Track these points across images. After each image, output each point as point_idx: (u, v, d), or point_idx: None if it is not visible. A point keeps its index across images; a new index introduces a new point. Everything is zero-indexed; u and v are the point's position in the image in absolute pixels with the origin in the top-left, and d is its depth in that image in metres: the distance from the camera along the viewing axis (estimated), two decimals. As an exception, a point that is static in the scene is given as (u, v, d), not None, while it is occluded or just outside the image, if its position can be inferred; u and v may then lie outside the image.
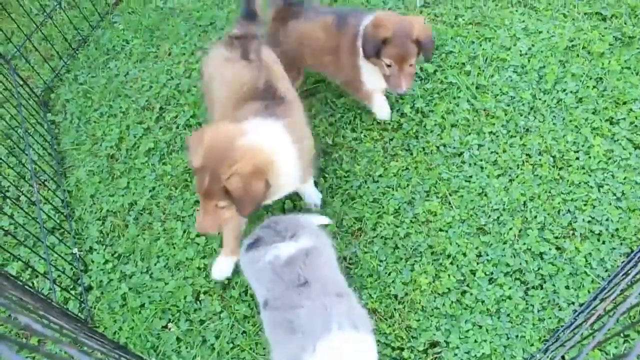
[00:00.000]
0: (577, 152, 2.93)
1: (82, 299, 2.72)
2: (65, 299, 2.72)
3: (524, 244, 2.72)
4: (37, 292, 2.30)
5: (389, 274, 2.68)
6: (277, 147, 2.18)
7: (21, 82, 3.20)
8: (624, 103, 3.05)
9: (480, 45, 3.32)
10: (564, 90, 3.10)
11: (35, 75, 3.37)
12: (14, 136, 3.13)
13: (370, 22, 2.65)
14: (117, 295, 2.72)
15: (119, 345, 2.39)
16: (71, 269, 2.79)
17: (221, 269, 2.67)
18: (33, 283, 2.77)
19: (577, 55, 3.21)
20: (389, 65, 2.64)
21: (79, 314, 2.64)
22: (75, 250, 2.83)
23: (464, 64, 3.24)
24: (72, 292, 2.73)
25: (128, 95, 3.29)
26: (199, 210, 2.18)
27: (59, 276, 2.75)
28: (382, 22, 2.60)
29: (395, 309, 2.60)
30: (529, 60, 3.21)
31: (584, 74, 3.13)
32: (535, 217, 2.79)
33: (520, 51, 3.27)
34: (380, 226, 2.80)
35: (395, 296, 2.63)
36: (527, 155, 2.96)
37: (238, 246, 2.58)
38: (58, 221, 2.89)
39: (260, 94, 2.34)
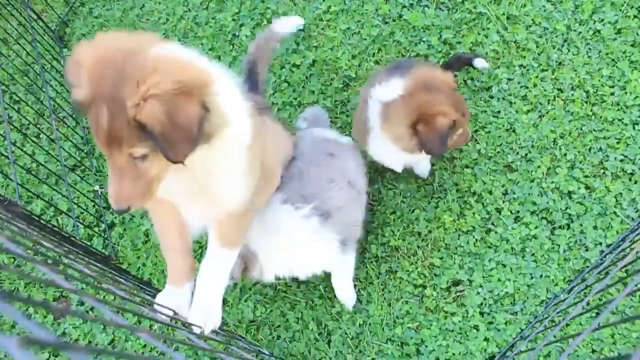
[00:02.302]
0: (613, 87, 2.78)
1: (105, 236, 2.74)
2: (89, 236, 2.74)
3: (552, 182, 2.64)
4: (61, 230, 2.32)
5: (413, 212, 2.64)
6: (216, 72, 1.48)
7: (35, 17, 3.11)
8: (666, 33, 2.87)
9: (513, -28, 3.12)
10: (602, 20, 2.92)
11: (49, 9, 3.27)
12: (30, 73, 3.08)
13: (418, 118, 2.12)
14: (140, 232, 2.74)
15: (142, 281, 2.42)
16: (94, 206, 2.80)
17: (166, 302, 1.74)
18: (57, 221, 2.80)
19: (617, -18, 3.00)
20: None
21: (103, 251, 2.67)
22: (97, 187, 2.83)
23: (494, -8, 3.06)
24: (96, 229, 2.75)
25: (144, 29, 3.20)
26: (109, 175, 1.42)
27: (81, 213, 2.77)
28: (434, 110, 2.11)
29: (418, 247, 2.57)
30: (564, -12, 3.02)
31: (624, 2, 2.93)
32: (565, 154, 2.69)
33: (556, -22, 3.08)
34: (404, 164, 2.73)
35: (419, 233, 2.60)
36: (558, 90, 2.83)
37: (192, 267, 1.83)
38: (79, 158, 2.88)
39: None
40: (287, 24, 2.79)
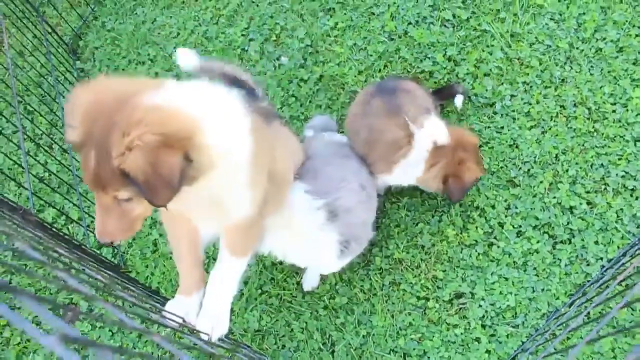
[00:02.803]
0: (615, 104, 2.84)
1: (114, 245, 2.79)
2: (99, 245, 2.80)
3: (554, 197, 2.69)
4: (72, 238, 2.37)
5: (416, 225, 2.69)
6: (209, 110, 1.50)
7: (50, 30, 3.20)
8: (667, 52, 2.92)
9: (517, -9, 3.19)
10: (604, 39, 2.98)
11: (64, 23, 3.36)
12: (44, 84, 3.16)
13: (453, 173, 2.43)
14: (149, 242, 2.79)
15: (150, 290, 2.47)
16: (104, 215, 2.86)
17: (175, 310, 1.80)
18: (68, 229, 2.85)
19: (621, 1, 3.06)
20: None
21: (112, 260, 2.72)
22: (107, 197, 2.88)
23: (499, 10, 3.12)
24: (105, 237, 2.80)
25: (156, 42, 3.27)
26: (96, 210, 1.48)
27: (92, 222, 2.82)
28: (466, 167, 2.43)
29: (421, 260, 2.62)
30: (567, 7, 3.08)
31: (626, 21, 2.99)
32: (567, 170, 2.74)
33: (559, -3, 3.14)
34: (408, 177, 2.78)
35: (422, 247, 2.65)
36: (561, 106, 2.88)
37: (201, 278, 1.88)
38: (90, 168, 2.94)
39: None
40: (183, 58, 2.39)
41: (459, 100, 2.84)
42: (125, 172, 1.32)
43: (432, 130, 2.38)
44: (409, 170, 2.43)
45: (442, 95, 2.85)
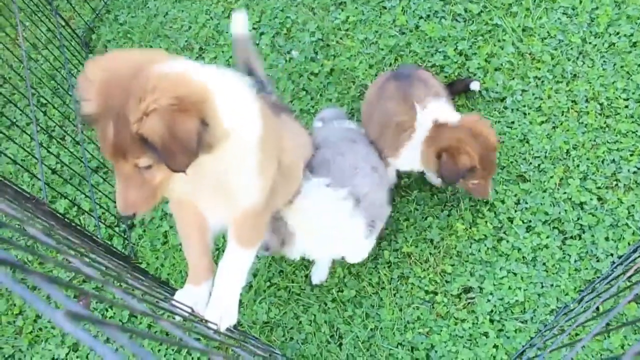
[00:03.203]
0: (627, 99, 2.81)
1: (125, 236, 2.82)
2: (110, 236, 2.83)
3: (565, 193, 2.67)
4: (84, 229, 2.40)
5: (426, 219, 2.69)
6: (220, 84, 1.52)
7: (63, 23, 3.22)
8: (681, 48, 2.89)
9: (529, -15, 3.17)
10: (617, 33, 2.95)
11: (77, 16, 3.39)
12: (57, 77, 3.19)
13: (443, 149, 2.34)
14: (159, 233, 2.82)
15: (160, 281, 2.50)
16: (114, 207, 2.89)
17: (184, 300, 1.78)
18: (80, 220, 2.89)
19: (634, -4, 3.03)
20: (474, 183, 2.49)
21: (123, 251, 2.75)
22: (118, 189, 2.91)
23: (510, 4, 3.10)
24: (116, 229, 2.83)
25: (168, 36, 3.29)
26: (117, 183, 1.50)
27: (103, 214, 2.85)
28: (463, 149, 2.32)
29: (430, 254, 2.62)
30: (580, 1, 3.05)
31: None
32: (578, 166, 2.72)
33: (572, -9, 3.12)
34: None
35: (431, 241, 2.65)
36: (573, 102, 2.86)
37: (210, 267, 1.88)
38: (101, 160, 2.97)
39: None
40: (237, 23, 2.53)
41: (475, 85, 2.84)
42: (144, 138, 1.35)
43: (434, 110, 2.37)
44: (414, 154, 2.44)
45: (455, 89, 2.84)
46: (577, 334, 2.41)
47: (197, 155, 1.44)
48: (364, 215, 2.25)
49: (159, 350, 2.60)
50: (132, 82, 1.36)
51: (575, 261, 2.56)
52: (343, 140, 2.43)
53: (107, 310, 2.71)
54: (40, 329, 2.71)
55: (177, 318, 1.62)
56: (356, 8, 3.18)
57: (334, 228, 2.22)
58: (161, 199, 1.59)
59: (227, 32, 3.23)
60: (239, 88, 1.64)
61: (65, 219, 2.24)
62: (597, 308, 2.33)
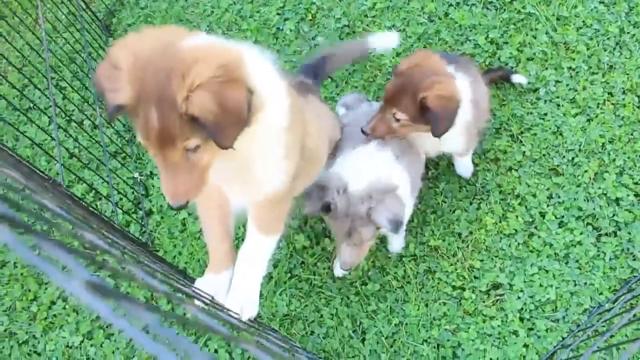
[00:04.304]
0: (667, 91, 2.69)
1: (143, 223, 2.75)
2: (127, 222, 2.76)
3: (600, 188, 2.56)
4: (101, 214, 2.33)
5: (454, 212, 2.58)
6: (248, 53, 1.44)
7: (84, 6, 3.16)
8: None
9: (565, -27, 3.05)
10: (657, 23, 2.82)
11: (98, -1, 3.33)
12: (77, 60, 3.13)
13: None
14: (177, 221, 2.74)
15: (178, 269, 2.42)
16: (132, 192, 2.82)
17: (204, 288, 1.71)
18: (97, 205, 2.82)
19: (675, -15, 2.90)
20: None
21: (140, 238, 2.68)
22: (136, 174, 2.84)
23: (544, -8, 2.98)
24: (134, 215, 2.76)
25: (189, 20, 3.22)
26: (162, 173, 1.39)
27: (120, 199, 2.78)
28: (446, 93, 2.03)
29: (458, 248, 2.52)
30: (618, -10, 2.93)
31: (681, 5, 2.83)
32: (614, 160, 2.60)
33: (610, -21, 2.99)
34: (446, 162, 2.68)
35: (459, 234, 2.54)
36: (609, 93, 2.74)
37: (231, 254, 1.80)
38: (120, 145, 2.91)
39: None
40: (382, 40, 2.63)
41: (519, 78, 2.73)
42: (194, 117, 1.25)
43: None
44: None
45: (490, 77, 2.70)
46: (612, 336, 2.30)
47: (247, 125, 1.36)
48: (407, 171, 2.13)
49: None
50: (166, 61, 1.26)
51: (611, 259, 2.44)
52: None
53: (128, 281, 2.64)
54: (55, 316, 2.65)
55: (197, 303, 1.54)
56: (383, -6, 3.08)
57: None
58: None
59: (250, 17, 3.15)
60: (267, 62, 1.56)
61: (83, 203, 2.17)
62: (631, 307, 2.22)
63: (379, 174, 2.04)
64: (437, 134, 2.04)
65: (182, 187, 1.38)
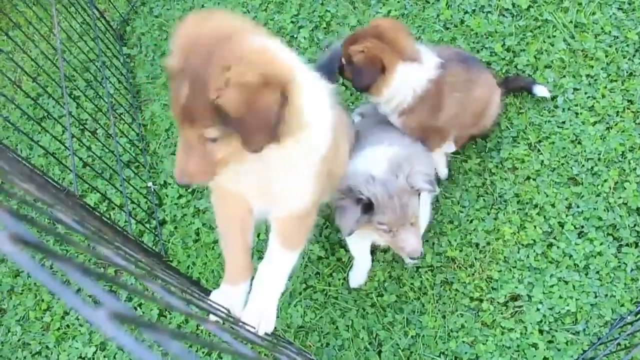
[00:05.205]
0: (688, 99, 2.64)
1: (156, 233, 2.74)
2: (140, 232, 2.74)
3: (620, 197, 2.51)
4: (114, 224, 2.32)
5: (471, 222, 2.54)
6: (305, 75, 1.49)
7: (98, 15, 3.17)
8: None
9: (582, -21, 3.00)
10: (677, 29, 2.77)
11: (112, 8, 3.33)
12: (92, 69, 3.13)
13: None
14: (191, 230, 2.72)
15: (192, 280, 2.40)
16: (146, 202, 2.80)
17: (220, 300, 1.64)
18: (110, 215, 2.81)
19: (695, -10, 2.85)
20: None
21: (154, 248, 2.66)
22: (150, 184, 2.83)
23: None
24: (147, 225, 2.75)
25: (203, 29, 3.21)
26: (179, 147, 1.45)
27: (134, 209, 2.77)
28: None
29: (475, 258, 2.47)
30: (637, -4, 2.89)
31: (702, 11, 2.78)
32: (635, 169, 2.55)
33: (628, -15, 2.94)
34: (463, 171, 2.64)
35: (477, 245, 2.50)
36: (628, 101, 2.69)
37: (249, 266, 1.78)
38: (134, 154, 2.89)
39: None
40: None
41: (541, 90, 2.67)
42: (219, 108, 1.29)
43: None
44: None
45: (509, 85, 2.67)
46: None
47: (274, 135, 1.38)
48: (422, 164, 2.06)
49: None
50: (220, 47, 1.30)
51: (632, 270, 2.39)
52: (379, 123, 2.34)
53: (135, 309, 2.63)
54: (68, 326, 2.64)
55: (212, 318, 1.52)
56: (398, 2, 3.06)
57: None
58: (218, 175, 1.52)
59: (264, 25, 3.13)
60: (320, 88, 1.58)
61: (96, 212, 2.15)
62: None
63: (393, 150, 2.02)
64: None
65: (192, 167, 1.43)
